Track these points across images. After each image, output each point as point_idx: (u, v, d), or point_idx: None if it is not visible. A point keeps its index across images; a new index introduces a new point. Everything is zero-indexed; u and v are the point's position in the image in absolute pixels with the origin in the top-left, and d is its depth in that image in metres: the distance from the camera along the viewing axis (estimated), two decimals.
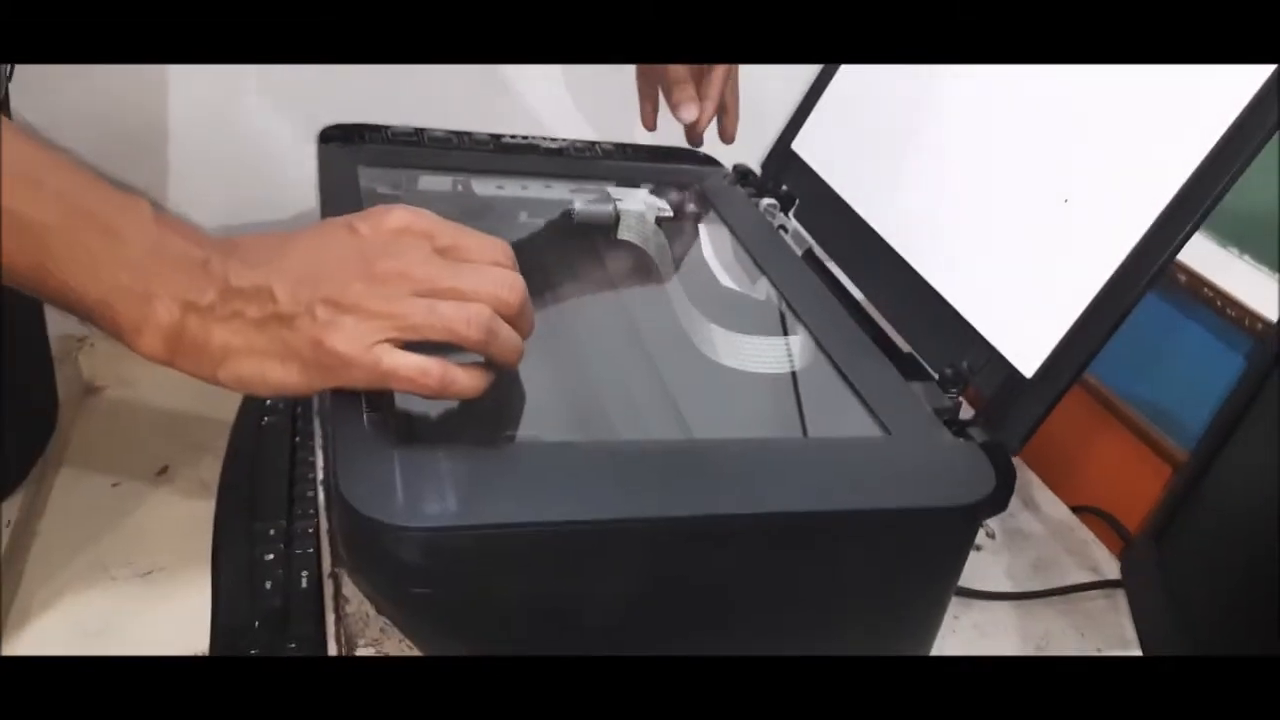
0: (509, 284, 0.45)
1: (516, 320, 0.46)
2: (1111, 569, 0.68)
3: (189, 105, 0.82)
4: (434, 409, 0.46)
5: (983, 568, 0.67)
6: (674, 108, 0.72)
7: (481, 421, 0.48)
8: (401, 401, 0.45)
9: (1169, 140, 0.48)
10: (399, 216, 0.46)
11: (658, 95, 0.74)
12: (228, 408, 0.77)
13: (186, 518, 0.72)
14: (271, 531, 0.66)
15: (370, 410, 0.44)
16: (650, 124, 0.76)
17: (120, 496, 0.73)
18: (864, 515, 0.44)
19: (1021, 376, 0.50)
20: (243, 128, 0.83)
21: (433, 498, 0.39)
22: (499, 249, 0.47)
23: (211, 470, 0.74)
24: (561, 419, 0.54)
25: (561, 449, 0.46)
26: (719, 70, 0.71)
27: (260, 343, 0.43)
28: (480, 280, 0.45)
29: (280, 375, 0.43)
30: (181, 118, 0.83)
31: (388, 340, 0.43)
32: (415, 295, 0.43)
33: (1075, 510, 0.75)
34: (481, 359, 0.45)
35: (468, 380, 0.44)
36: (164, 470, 0.76)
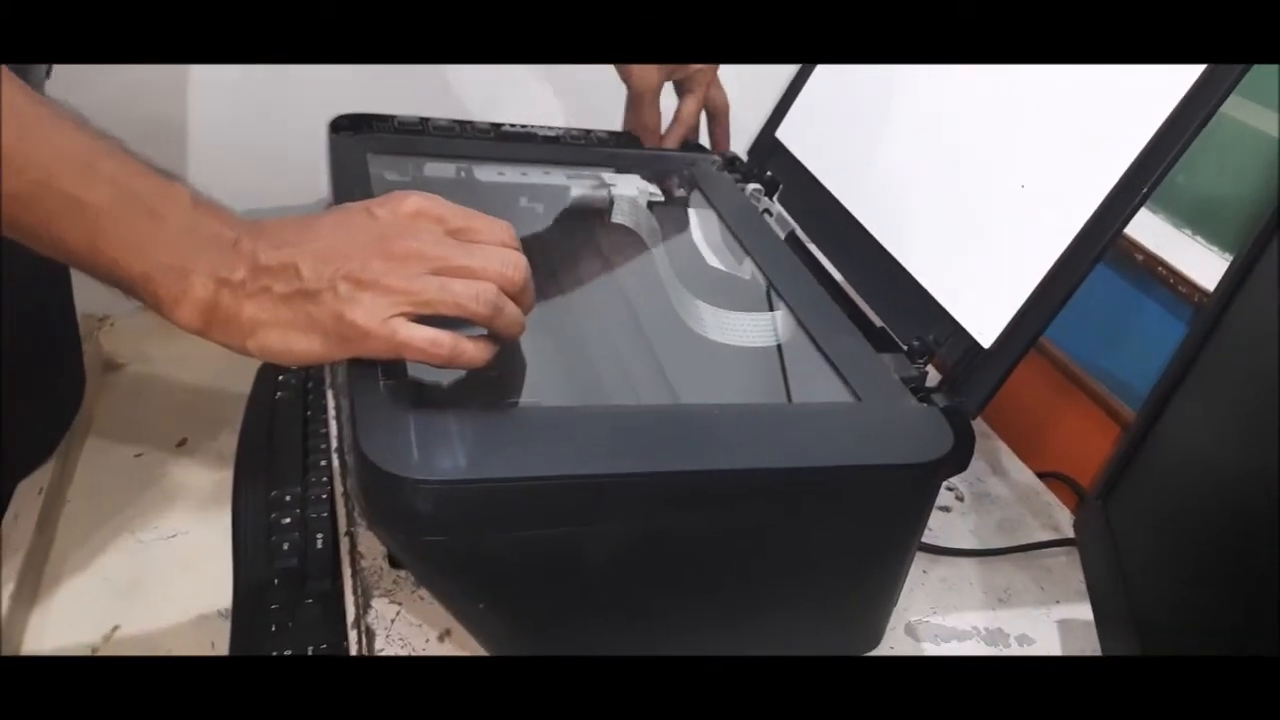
0: (514, 263, 0.50)
1: (520, 296, 0.50)
2: (1072, 529, 0.73)
3: (208, 98, 0.86)
4: (445, 377, 0.50)
5: (952, 527, 0.72)
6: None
7: (488, 388, 0.52)
8: (415, 370, 0.49)
9: (1112, 133, 0.53)
10: (414, 201, 0.51)
11: None
12: (243, 383, 0.81)
13: (206, 486, 0.76)
14: (287, 498, 0.70)
15: (386, 379, 0.48)
16: None
17: (143, 466, 0.77)
18: (834, 471, 0.49)
19: (980, 347, 0.55)
20: (258, 119, 0.87)
21: (445, 455, 0.43)
22: (505, 230, 0.51)
23: (229, 442, 0.78)
24: (561, 386, 0.58)
25: (560, 413, 0.50)
26: (677, 129, 0.81)
27: (286, 316, 0.47)
28: (488, 259, 0.49)
29: (304, 346, 0.47)
30: (201, 109, 0.87)
31: (402, 314, 0.47)
32: (429, 273, 0.47)
33: (1041, 476, 0.79)
34: (487, 332, 0.50)
35: (475, 351, 0.49)
36: (183, 442, 0.80)
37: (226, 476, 0.74)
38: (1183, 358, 0.54)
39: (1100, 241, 0.52)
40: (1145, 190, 0.50)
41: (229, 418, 0.80)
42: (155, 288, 0.46)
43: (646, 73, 0.77)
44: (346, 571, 0.58)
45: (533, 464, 0.44)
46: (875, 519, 0.53)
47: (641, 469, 0.46)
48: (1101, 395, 0.78)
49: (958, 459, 0.52)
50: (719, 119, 0.83)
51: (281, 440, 0.76)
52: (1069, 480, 0.78)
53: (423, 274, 0.47)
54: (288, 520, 0.68)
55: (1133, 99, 0.52)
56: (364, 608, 0.56)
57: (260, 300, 0.47)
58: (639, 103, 0.79)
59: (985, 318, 0.55)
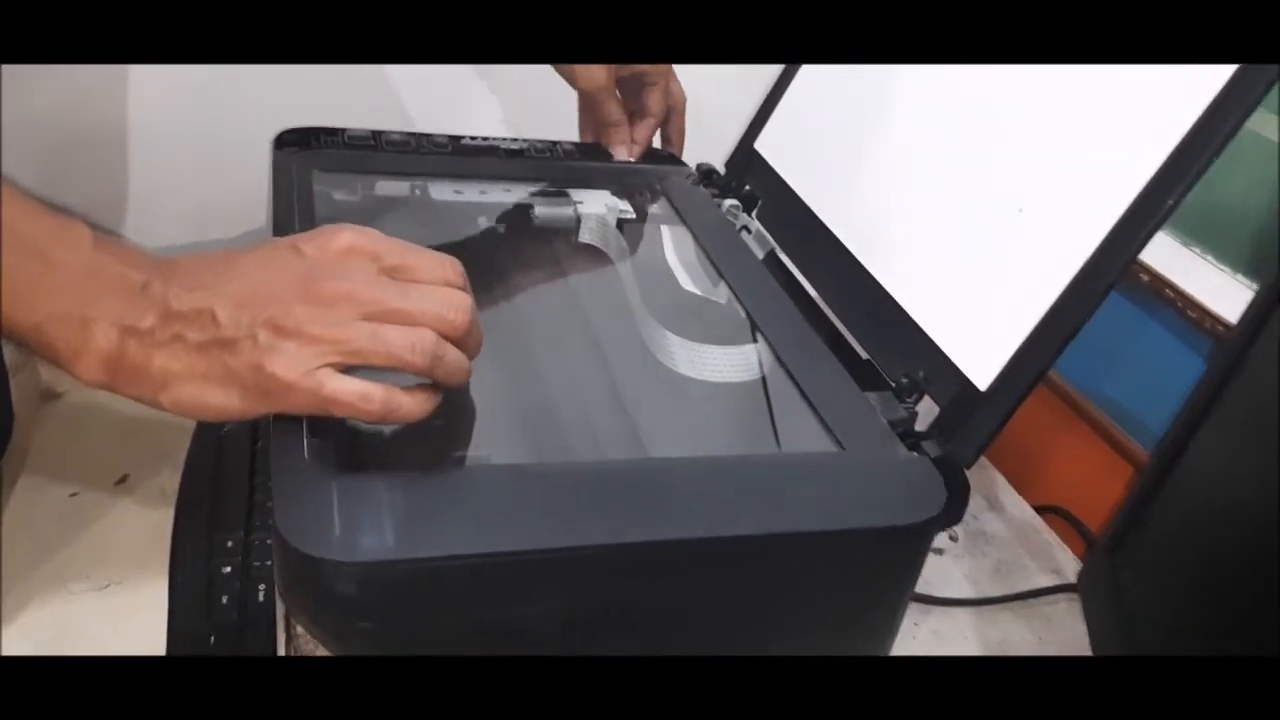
0: (456, 304, 0.45)
1: (463, 341, 0.45)
2: (1074, 571, 0.68)
3: (153, 106, 0.81)
4: (380, 432, 0.45)
5: (944, 572, 0.67)
6: (608, 147, 0.76)
7: (429, 444, 0.47)
8: (346, 425, 0.44)
9: (1124, 146, 0.48)
10: (345, 236, 0.46)
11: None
12: None
13: (145, 528, 0.71)
14: (230, 543, 0.65)
15: (312, 436, 0.43)
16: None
17: (78, 506, 0.72)
18: (813, 536, 0.44)
19: (975, 388, 0.50)
20: (206, 134, 0.82)
21: (371, 530, 0.38)
22: (448, 267, 0.46)
23: (171, 479, 0.73)
24: (514, 437, 0.53)
25: (507, 473, 0.45)
26: (649, 120, 0.76)
27: (201, 367, 0.42)
28: (426, 302, 0.44)
29: (222, 400, 0.43)
30: (143, 124, 0.81)
31: (330, 365, 0.42)
32: (360, 318, 0.43)
33: (1039, 510, 0.74)
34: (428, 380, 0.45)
35: (412, 405, 0.44)
36: (123, 479, 0.75)
37: (167, 517, 0.69)
38: (1202, 396, 0.49)
39: (1112, 270, 0.47)
40: (1164, 212, 0.45)
41: (173, 452, 0.75)
42: (50, 340, 0.41)
43: (592, 70, 0.71)
44: (281, 638, 0.53)
45: (472, 539, 0.39)
46: (859, 581, 0.48)
47: (598, 540, 0.41)
48: (1103, 424, 0.73)
49: (950, 515, 0.47)
50: (676, 114, 0.78)
51: (227, 478, 0.71)
52: (1069, 515, 0.73)
53: (353, 319, 0.43)
54: (228, 569, 0.63)
55: (1150, 106, 0.47)
56: None
57: (172, 350, 0.42)
58: (593, 102, 0.74)
59: (981, 356, 0.50)
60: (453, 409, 0.47)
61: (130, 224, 0.84)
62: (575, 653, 0.44)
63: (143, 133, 0.82)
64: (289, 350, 0.42)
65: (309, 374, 0.42)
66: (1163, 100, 0.46)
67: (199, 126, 0.82)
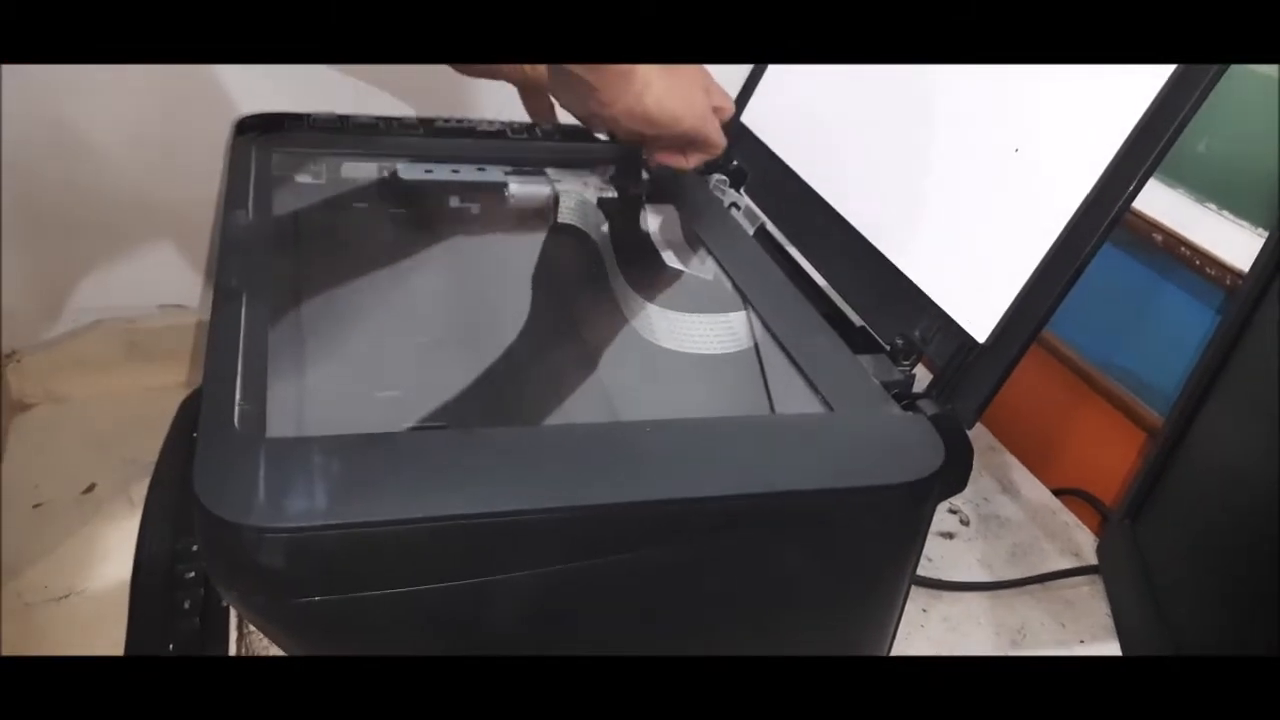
0: None
1: None
2: (1095, 554, 0.63)
3: (116, 99, 0.78)
4: (328, 405, 0.42)
5: (956, 556, 0.62)
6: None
7: (382, 416, 0.44)
8: (285, 398, 0.41)
9: (1118, 82, 0.44)
10: None
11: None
12: (160, 424, 0.73)
13: (110, 537, 0.68)
14: (194, 547, 0.62)
15: (245, 404, 0.39)
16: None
17: (43, 517, 0.69)
18: (796, 497, 0.39)
19: (974, 343, 0.46)
20: (165, 119, 0.79)
21: (300, 493, 0.34)
22: None
23: (140, 488, 0.70)
24: (482, 409, 0.49)
25: (458, 437, 0.41)
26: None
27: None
28: None
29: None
30: (109, 112, 0.78)
31: None
32: None
33: (1057, 492, 0.69)
34: None
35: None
36: (91, 488, 0.72)
37: (133, 526, 0.66)
38: (1216, 351, 0.45)
39: (1109, 212, 0.43)
40: (1160, 148, 0.41)
41: (144, 459, 0.71)
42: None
43: None
44: (232, 635, 0.49)
45: (413, 502, 0.35)
46: (853, 551, 0.43)
47: (554, 504, 0.37)
48: (1121, 397, 0.68)
49: (953, 476, 0.43)
50: None
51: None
52: (1089, 497, 0.68)
53: None
54: (192, 573, 0.60)
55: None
56: None
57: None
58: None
59: (979, 308, 0.46)
60: (413, 386, 0.44)
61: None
62: (539, 637, 0.40)
63: (105, 124, 0.79)
64: None
65: None
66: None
67: (155, 116, 0.79)
